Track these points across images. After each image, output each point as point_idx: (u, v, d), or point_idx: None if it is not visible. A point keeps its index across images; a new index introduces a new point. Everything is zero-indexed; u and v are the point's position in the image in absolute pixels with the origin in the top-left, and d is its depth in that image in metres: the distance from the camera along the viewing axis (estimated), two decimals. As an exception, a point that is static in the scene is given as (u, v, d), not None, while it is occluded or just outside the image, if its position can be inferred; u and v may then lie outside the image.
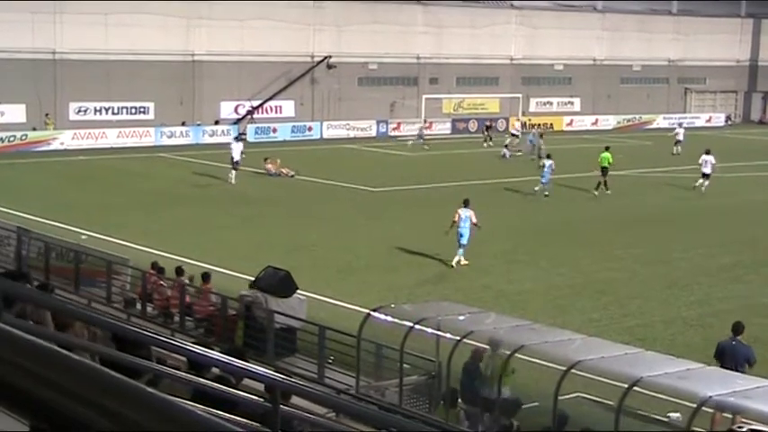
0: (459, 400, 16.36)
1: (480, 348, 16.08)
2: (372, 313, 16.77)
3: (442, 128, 71.75)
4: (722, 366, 16.08)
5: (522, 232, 35.04)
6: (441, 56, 73.85)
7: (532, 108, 77.60)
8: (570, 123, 78.50)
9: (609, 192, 43.33)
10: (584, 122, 78.96)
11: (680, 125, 67.15)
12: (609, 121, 79.41)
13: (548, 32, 78.30)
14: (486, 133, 65.79)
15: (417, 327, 15.88)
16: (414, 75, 73.32)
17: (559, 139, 69.07)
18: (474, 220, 29.37)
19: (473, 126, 73.66)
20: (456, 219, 29.34)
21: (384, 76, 71.84)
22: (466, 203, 30.02)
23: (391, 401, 15.79)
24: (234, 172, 45.33)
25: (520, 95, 73.97)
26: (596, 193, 43.38)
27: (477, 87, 75.67)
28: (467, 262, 29.20)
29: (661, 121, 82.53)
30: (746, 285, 27.79)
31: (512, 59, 77.54)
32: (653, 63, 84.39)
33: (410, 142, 62.05)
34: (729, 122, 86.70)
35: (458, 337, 15.55)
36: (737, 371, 15.82)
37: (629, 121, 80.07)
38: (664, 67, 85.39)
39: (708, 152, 45.98)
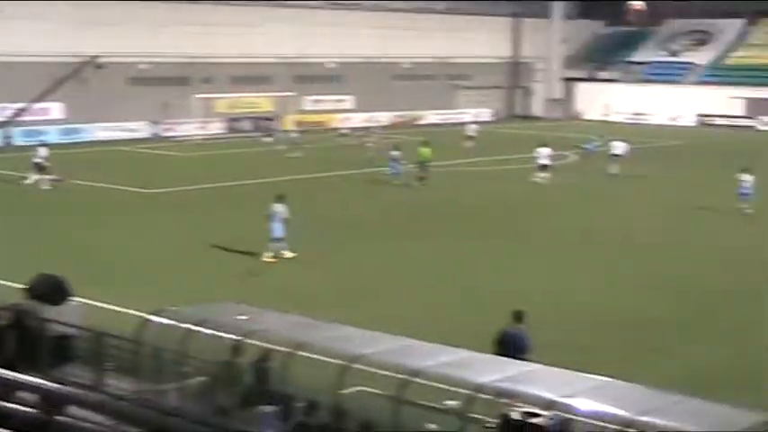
0: (245, 400, 16.31)
1: (268, 348, 16.07)
2: (152, 317, 16.51)
3: (217, 127, 71.24)
4: (502, 354, 16.60)
5: (300, 229, 35.16)
6: (213, 55, 73.21)
7: (306, 106, 78.05)
8: (344, 121, 79.36)
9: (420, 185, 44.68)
10: (358, 119, 79.97)
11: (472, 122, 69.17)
12: (381, 118, 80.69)
13: (319, 30, 78.84)
14: (266, 130, 66.29)
15: (198, 329, 15.74)
16: (186, 74, 72.40)
17: (331, 136, 69.91)
18: (285, 216, 29.86)
19: (247, 125, 73.51)
20: (270, 214, 29.88)
21: (156, 76, 70.62)
22: (280, 199, 30.33)
23: (172, 405, 15.58)
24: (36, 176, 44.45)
25: (293, 94, 74.23)
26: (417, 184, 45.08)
27: (251, 86, 75.44)
28: (292, 254, 29.88)
29: (431, 117, 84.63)
30: (518, 274, 28.83)
31: (284, 58, 77.69)
32: (423, 60, 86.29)
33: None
34: (495, 117, 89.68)
35: (239, 338, 15.51)
36: (516, 358, 16.38)
37: (400, 117, 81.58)
38: (433, 64, 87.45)
39: (544, 145, 48.18)
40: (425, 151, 46.13)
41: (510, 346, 17.04)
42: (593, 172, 50.65)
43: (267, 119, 69.02)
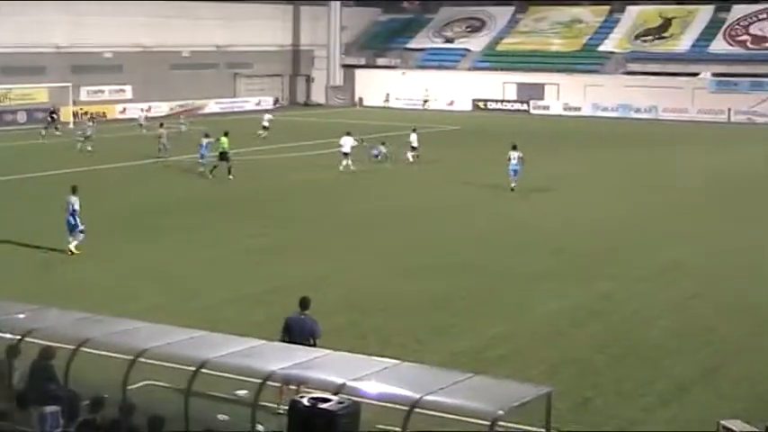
0: (29, 401, 15.84)
1: (52, 346, 15.65)
2: (-77, 320, 15.82)
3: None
4: (290, 341, 16.67)
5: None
6: (-19, 44, 70.31)
7: (83, 97, 75.97)
8: (123, 111, 77.83)
9: (231, 177, 44.44)
10: (137, 109, 78.40)
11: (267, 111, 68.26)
12: (162, 108, 79.42)
13: (94, 20, 76.75)
14: (51, 123, 64.65)
15: (-26, 330, 15.21)
16: (-47, 65, 69.31)
17: (113, 127, 68.37)
18: (76, 207, 29.17)
19: (22, 117, 71.01)
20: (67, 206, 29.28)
21: None
22: (74, 190, 29.64)
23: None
24: None
25: (69, 84, 72.15)
26: (210, 176, 44.76)
27: (24, 77, 72.74)
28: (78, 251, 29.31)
29: (213, 106, 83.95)
30: (301, 261, 29.03)
31: (58, 48, 75.35)
32: (202, 49, 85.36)
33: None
34: (278, 105, 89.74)
35: (18, 336, 15.06)
36: (303, 344, 16.49)
37: (181, 106, 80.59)
38: (213, 53, 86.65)
39: (348, 134, 48.73)
40: (225, 141, 45.91)
41: (297, 333, 17.14)
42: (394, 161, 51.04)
43: (53, 111, 66.65)
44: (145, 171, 48.14)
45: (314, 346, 16.86)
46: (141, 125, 65.91)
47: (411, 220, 35.84)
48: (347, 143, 48.51)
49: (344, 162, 47.81)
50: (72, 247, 29.36)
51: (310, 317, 17.62)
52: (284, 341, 16.65)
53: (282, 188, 43.33)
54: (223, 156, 45.33)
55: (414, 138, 51.07)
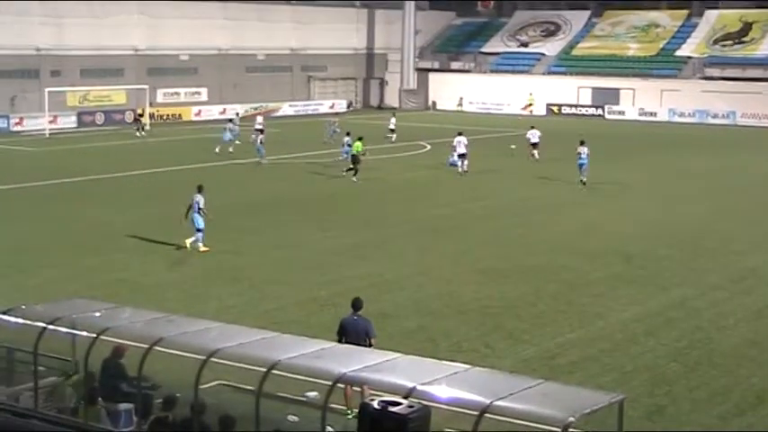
0: (100, 398, 16.05)
1: (123, 345, 15.83)
2: (1, 316, 16.09)
3: (68, 121, 69.66)
4: (346, 342, 16.72)
5: (154, 223, 34.73)
6: (62, 47, 71.49)
7: (160, 99, 76.97)
8: (198, 113, 78.66)
9: (356, 180, 45.00)
10: (212, 112, 79.36)
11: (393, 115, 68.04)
12: (236, 110, 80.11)
13: (171, 22, 77.80)
14: (138, 123, 66.44)
15: (51, 327, 15.41)
16: (34, 67, 70.54)
17: (188, 129, 69.16)
18: (201, 206, 30.09)
19: (100, 119, 72.11)
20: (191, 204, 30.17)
21: (2, 68, 68.59)
22: (200, 189, 30.49)
23: (26, 406, 15.23)
24: None
25: (146, 86, 73.13)
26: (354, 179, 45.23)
27: (102, 79, 73.97)
28: (206, 248, 29.99)
29: (287, 109, 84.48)
30: (371, 263, 29.05)
31: (136, 50, 76.41)
32: (276, 52, 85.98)
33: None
34: (351, 108, 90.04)
35: (94, 335, 15.24)
36: (360, 345, 16.50)
37: (255, 109, 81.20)
38: (287, 56, 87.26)
39: (460, 133, 48.67)
40: (359, 145, 47.12)
41: (352, 334, 17.17)
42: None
43: (140, 114, 68.37)
44: (235, 171, 48.63)
45: (370, 345, 16.89)
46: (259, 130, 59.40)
47: (484, 223, 35.68)
48: (461, 143, 48.20)
49: (460, 163, 47.84)
50: (199, 245, 30.13)
51: (364, 317, 17.66)
52: (340, 343, 16.67)
53: (360, 189, 43.40)
54: (355, 159, 46.18)
55: (533, 134, 52.37)
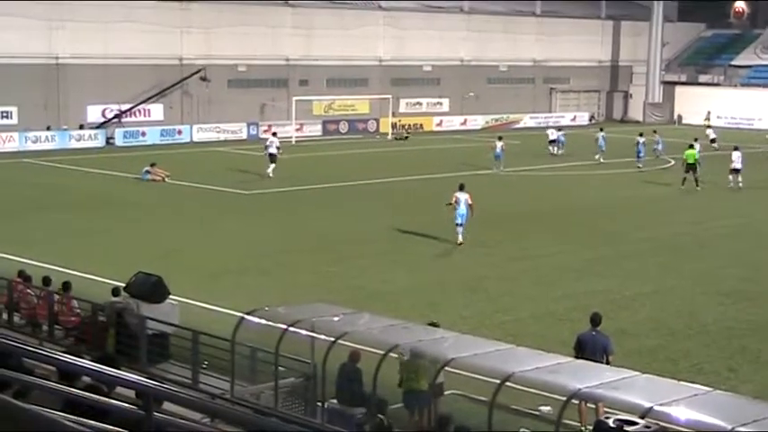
0: (335, 400, 16.41)
1: (358, 350, 16.14)
2: (246, 316, 16.68)
3: (313, 129, 71.78)
4: (582, 357, 16.44)
5: (396, 231, 35.26)
6: (310, 57, 73.77)
7: (402, 109, 78.15)
8: (440, 124, 79.38)
9: (699, 188, 45.74)
10: (453, 123, 79.90)
11: (556, 126, 68.37)
12: (477, 121, 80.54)
13: (415, 34, 78.94)
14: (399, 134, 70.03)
15: (292, 329, 15.86)
16: (283, 76, 73.08)
17: (431, 139, 69.91)
18: (470, 202, 32.50)
19: (344, 127, 73.93)
20: (454, 201, 32.42)
21: (254, 78, 71.43)
22: (461, 187, 32.89)
23: (267, 405, 15.72)
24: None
25: (389, 96, 74.44)
26: (698, 188, 45.94)
27: (347, 89, 75.83)
28: (462, 240, 32.23)
29: (528, 121, 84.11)
30: (610, 280, 28.49)
31: (380, 61, 77.94)
32: (518, 63, 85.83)
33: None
34: (593, 121, 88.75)
35: (332, 338, 15.59)
36: (597, 361, 16.20)
37: (496, 120, 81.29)
38: (529, 68, 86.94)
39: (736, 148, 48.21)
40: (692, 152, 46.84)
41: (590, 350, 16.85)
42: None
43: (407, 127, 71.60)
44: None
45: (608, 363, 16.54)
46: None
47: (728, 243, 34.37)
48: (735, 158, 47.24)
49: (731, 178, 47.01)
50: (461, 238, 32.25)
51: (602, 333, 17.30)
52: (577, 358, 16.40)
53: (600, 203, 42.70)
54: (690, 167, 46.25)
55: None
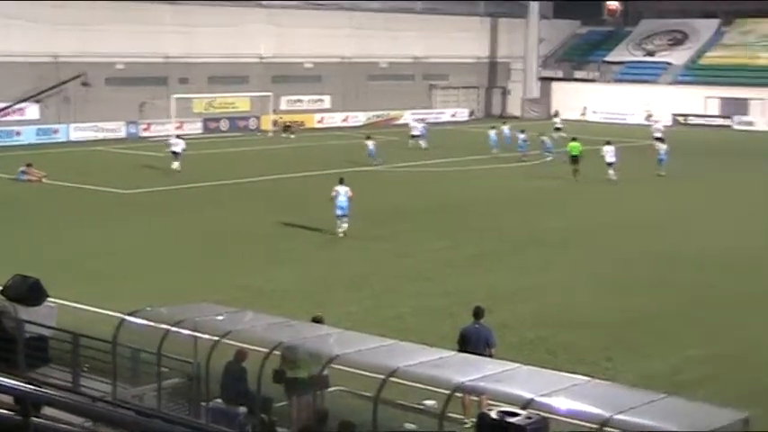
0: (220, 399, 16.30)
1: (244, 349, 16.05)
2: (128, 317, 16.45)
3: (194, 127, 71.03)
4: (466, 351, 16.63)
5: (278, 229, 35.19)
6: (190, 55, 72.94)
7: (283, 106, 77.87)
8: (321, 120, 79.43)
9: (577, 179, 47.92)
10: (335, 119, 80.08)
11: (419, 120, 69.40)
12: (359, 118, 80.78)
13: (297, 31, 78.69)
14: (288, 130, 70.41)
15: (174, 329, 15.70)
16: (163, 74, 72.12)
17: (313, 136, 69.87)
18: (350, 194, 33.54)
19: (225, 125, 73.38)
20: (333, 194, 33.45)
21: (132, 76, 70.29)
22: (341, 181, 34.07)
23: (150, 406, 15.54)
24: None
25: (270, 94, 74.14)
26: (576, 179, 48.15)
27: (228, 86, 75.24)
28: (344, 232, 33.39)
29: (408, 117, 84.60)
30: (492, 274, 28.88)
31: (262, 58, 77.52)
32: (399, 60, 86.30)
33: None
34: (473, 117, 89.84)
35: (216, 338, 15.48)
36: (480, 354, 16.40)
37: (378, 117, 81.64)
38: (409, 64, 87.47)
39: (608, 143, 50.01)
40: (575, 145, 49.80)
41: (473, 343, 17.07)
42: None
43: (293, 123, 71.61)
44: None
45: (490, 356, 16.78)
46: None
47: (607, 235, 35.16)
48: (609, 152, 48.77)
49: (610, 171, 48.05)
50: (341, 230, 33.34)
51: (485, 326, 17.54)
52: (460, 351, 16.58)
53: (481, 198, 43.26)
54: (574, 159, 48.98)
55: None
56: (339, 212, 33.36)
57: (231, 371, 16.22)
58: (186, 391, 16.50)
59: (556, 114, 76.71)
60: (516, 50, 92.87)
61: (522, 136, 57.13)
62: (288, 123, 72.03)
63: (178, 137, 53.50)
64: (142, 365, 17.03)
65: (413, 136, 62.42)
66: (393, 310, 24.68)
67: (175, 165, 49.38)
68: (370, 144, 54.12)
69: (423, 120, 69.76)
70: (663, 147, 50.91)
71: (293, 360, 15.93)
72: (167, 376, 16.29)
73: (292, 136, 69.15)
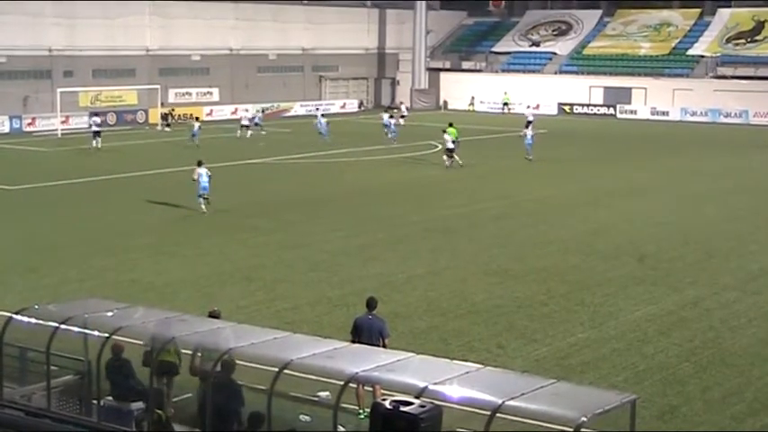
0: (110, 396, 16.08)
1: (120, 342, 15.84)
2: (15, 316, 16.12)
3: (80, 122, 69.72)
4: (359, 341, 16.70)
5: (166, 223, 34.86)
6: (74, 48, 71.65)
7: (171, 99, 77.05)
8: (210, 113, 78.78)
9: (447, 165, 49.10)
10: (224, 112, 79.56)
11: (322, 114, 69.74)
12: (248, 111, 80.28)
13: (183, 23, 77.92)
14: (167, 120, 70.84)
15: (63, 326, 15.43)
16: (47, 67, 70.72)
17: (202, 129, 69.12)
18: (209, 174, 36.44)
19: (112, 119, 72.23)
20: (196, 176, 36.33)
21: (15, 69, 68.76)
22: (200, 164, 36.84)
23: (39, 406, 15.26)
24: None
25: (158, 87, 73.24)
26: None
27: (114, 79, 74.13)
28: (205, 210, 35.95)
29: (298, 109, 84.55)
30: (384, 263, 29.04)
31: (148, 50, 76.53)
32: (288, 52, 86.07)
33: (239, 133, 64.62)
34: (362, 108, 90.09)
35: (106, 334, 15.27)
36: (373, 345, 16.49)
37: (267, 109, 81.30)
38: (298, 56, 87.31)
39: (451, 124, 51.23)
40: (452, 131, 50.36)
41: (366, 334, 17.15)
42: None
43: (171, 114, 70.77)
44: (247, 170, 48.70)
45: (384, 346, 16.87)
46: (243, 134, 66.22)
47: (495, 223, 35.64)
48: (448, 140, 49.79)
49: (445, 157, 49.07)
50: (203, 208, 36.09)
51: (378, 317, 17.63)
52: (354, 342, 16.65)
53: (372, 188, 43.41)
54: (456, 143, 50.01)
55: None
56: (200, 192, 36.23)
57: (114, 367, 15.99)
58: (77, 389, 16.24)
59: (401, 103, 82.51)
60: (405, 41, 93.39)
61: (392, 121, 61.80)
62: (166, 113, 71.89)
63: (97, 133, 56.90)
64: (31, 365, 16.71)
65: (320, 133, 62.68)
66: (286, 302, 24.64)
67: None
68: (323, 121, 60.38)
69: (318, 108, 70.43)
70: (529, 132, 53.52)
71: (163, 347, 15.80)
72: (57, 375, 16.02)
73: (167, 129, 68.76)
